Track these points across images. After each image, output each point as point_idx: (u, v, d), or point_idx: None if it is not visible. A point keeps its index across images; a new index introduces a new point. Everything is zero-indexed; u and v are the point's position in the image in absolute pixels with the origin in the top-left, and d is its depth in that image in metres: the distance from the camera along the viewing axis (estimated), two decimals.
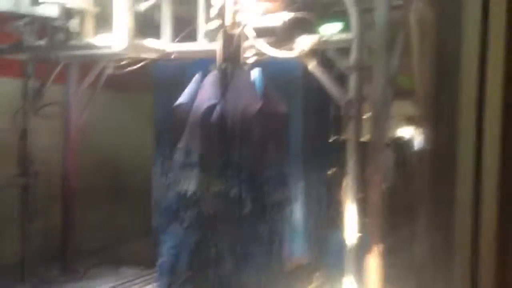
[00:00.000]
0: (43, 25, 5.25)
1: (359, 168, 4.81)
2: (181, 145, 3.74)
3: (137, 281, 6.35)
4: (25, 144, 6.05)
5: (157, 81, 6.65)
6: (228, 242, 3.69)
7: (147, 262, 6.57)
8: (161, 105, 6.48)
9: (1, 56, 5.80)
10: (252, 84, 3.88)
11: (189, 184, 3.66)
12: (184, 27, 5.32)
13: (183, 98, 3.89)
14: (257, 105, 3.69)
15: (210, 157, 3.68)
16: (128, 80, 6.45)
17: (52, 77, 6.05)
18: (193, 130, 3.67)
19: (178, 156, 3.74)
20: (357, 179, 4.79)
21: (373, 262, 4.65)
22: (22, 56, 5.98)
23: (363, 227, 4.76)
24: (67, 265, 6.61)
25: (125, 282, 6.29)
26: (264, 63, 4.80)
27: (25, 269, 6.08)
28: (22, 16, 4.97)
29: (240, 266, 3.72)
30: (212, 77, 3.79)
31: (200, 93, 3.76)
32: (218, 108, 3.66)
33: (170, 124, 5.97)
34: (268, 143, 3.82)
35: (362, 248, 4.73)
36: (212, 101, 3.68)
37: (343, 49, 4.98)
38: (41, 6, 4.55)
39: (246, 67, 3.92)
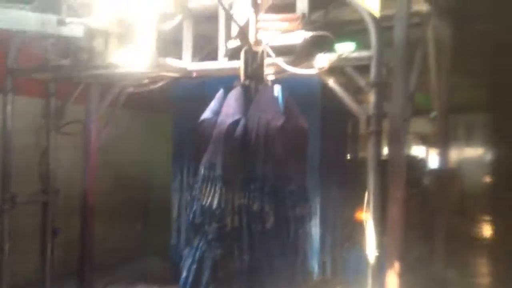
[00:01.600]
0: (67, 45, 5.36)
1: (379, 185, 4.81)
2: (205, 159, 3.80)
3: None
4: (46, 161, 6.13)
5: (176, 99, 6.76)
6: (251, 255, 3.71)
7: (163, 279, 6.58)
8: (180, 122, 6.59)
9: (27, 76, 5.92)
10: (275, 99, 3.96)
11: (213, 198, 3.71)
12: (204, 46, 5.43)
13: (207, 114, 3.97)
14: (280, 120, 3.76)
15: (234, 171, 3.73)
16: (147, 99, 6.55)
17: (74, 96, 6.17)
18: (217, 144, 3.74)
19: (203, 171, 3.81)
20: (377, 196, 4.79)
21: (393, 280, 4.61)
22: (45, 76, 6.11)
23: (382, 244, 4.74)
24: (85, 282, 6.61)
25: None
26: (283, 80, 4.88)
27: (46, 286, 6.10)
28: (48, 37, 5.07)
29: (263, 279, 3.73)
30: (235, 93, 3.88)
31: (224, 109, 3.84)
32: (242, 123, 3.73)
33: (189, 141, 6.04)
34: (291, 158, 3.88)
35: (382, 265, 4.70)
36: (236, 117, 3.76)
37: (361, 66, 5.05)
38: (68, 26, 4.64)
39: (269, 83, 4.00)
